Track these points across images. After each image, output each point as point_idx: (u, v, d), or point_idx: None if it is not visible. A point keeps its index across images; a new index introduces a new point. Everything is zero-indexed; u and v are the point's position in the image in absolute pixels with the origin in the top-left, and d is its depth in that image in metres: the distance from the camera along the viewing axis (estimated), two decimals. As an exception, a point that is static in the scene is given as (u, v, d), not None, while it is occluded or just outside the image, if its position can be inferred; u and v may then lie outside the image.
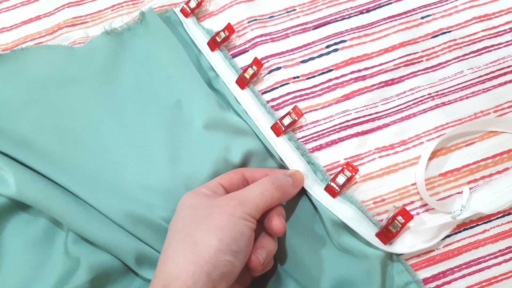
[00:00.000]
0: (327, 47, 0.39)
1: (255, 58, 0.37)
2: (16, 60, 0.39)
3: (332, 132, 0.35)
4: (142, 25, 0.40)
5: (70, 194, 0.32)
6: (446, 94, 0.36)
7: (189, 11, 0.41)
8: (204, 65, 0.39)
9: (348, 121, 0.36)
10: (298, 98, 0.37)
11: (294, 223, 0.33)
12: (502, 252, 0.31)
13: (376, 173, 0.34)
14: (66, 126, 0.36)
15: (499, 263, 0.31)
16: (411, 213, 0.31)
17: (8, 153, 0.33)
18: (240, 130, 0.34)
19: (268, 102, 0.37)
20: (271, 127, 0.34)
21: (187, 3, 0.41)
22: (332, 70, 0.38)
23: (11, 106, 0.36)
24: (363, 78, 0.37)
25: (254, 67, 0.36)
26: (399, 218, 0.30)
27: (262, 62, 0.38)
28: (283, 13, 0.41)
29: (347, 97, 0.37)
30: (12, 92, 0.37)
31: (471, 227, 0.32)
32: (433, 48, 0.38)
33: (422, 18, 0.39)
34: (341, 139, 0.35)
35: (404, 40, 0.38)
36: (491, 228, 0.32)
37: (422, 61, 0.38)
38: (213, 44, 0.39)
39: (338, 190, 0.32)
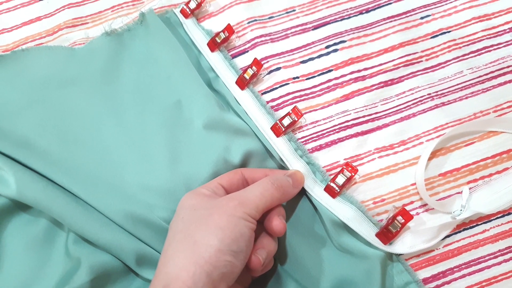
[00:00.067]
0: (327, 47, 0.39)
1: (255, 58, 0.37)
2: (16, 61, 0.39)
3: (332, 133, 0.35)
4: (142, 26, 0.40)
5: (70, 195, 0.32)
6: (446, 94, 0.36)
7: (189, 12, 0.41)
8: (204, 65, 0.39)
9: (347, 121, 0.36)
10: (298, 99, 0.37)
11: (294, 223, 0.33)
12: (502, 252, 0.31)
13: (376, 173, 0.34)
14: (67, 127, 0.36)
15: (499, 263, 0.31)
16: (411, 213, 0.31)
17: (8, 154, 0.33)
18: (240, 130, 0.34)
19: (268, 102, 0.37)
20: (271, 128, 0.34)
21: (187, 4, 0.41)
22: (332, 70, 0.38)
23: (11, 106, 0.36)
24: (363, 78, 0.37)
25: (254, 67, 0.36)
26: (399, 218, 0.30)
27: (262, 62, 0.38)
28: (282, 14, 0.41)
29: (346, 97, 0.37)
30: (13, 93, 0.37)
31: (471, 227, 0.32)
32: (432, 48, 0.38)
33: (422, 18, 0.39)
34: (341, 140, 0.35)
35: (404, 40, 0.38)
36: (491, 228, 0.32)
37: (421, 61, 0.38)
38: (213, 44, 0.39)
39: (338, 190, 0.32)
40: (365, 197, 0.33)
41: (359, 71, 0.38)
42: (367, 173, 0.34)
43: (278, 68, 0.38)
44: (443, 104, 0.36)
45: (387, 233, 0.30)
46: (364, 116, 0.36)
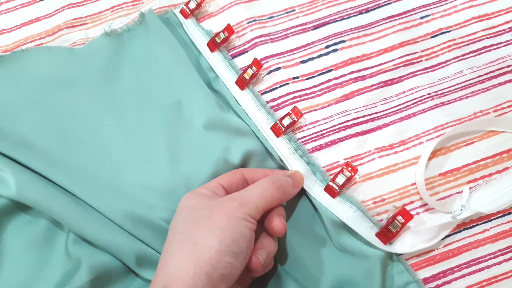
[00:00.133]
0: (327, 47, 0.39)
1: (255, 58, 0.37)
2: (16, 62, 0.39)
3: (332, 132, 0.35)
4: (142, 26, 0.40)
5: (70, 195, 0.32)
6: (446, 94, 0.36)
7: (189, 12, 0.41)
8: (203, 66, 0.39)
9: (347, 121, 0.36)
10: (298, 99, 0.37)
11: (294, 223, 0.33)
12: (502, 252, 0.31)
13: (376, 173, 0.34)
14: (66, 127, 0.36)
15: (499, 263, 0.31)
16: (411, 213, 0.31)
17: (8, 154, 0.33)
18: (240, 130, 0.34)
19: (267, 102, 0.37)
20: (271, 128, 0.34)
21: (186, 4, 0.41)
22: (332, 70, 0.38)
23: (11, 107, 0.36)
24: (363, 78, 0.37)
25: (253, 67, 0.36)
26: (399, 218, 0.30)
27: (262, 62, 0.38)
28: (282, 14, 0.41)
29: (346, 97, 0.37)
30: (13, 93, 0.37)
31: (471, 227, 0.32)
32: (432, 48, 0.38)
33: (422, 18, 0.39)
34: (341, 139, 0.35)
35: (404, 40, 0.38)
36: (491, 227, 0.32)
37: (421, 61, 0.38)
38: (213, 45, 0.39)
39: (338, 190, 0.32)
40: (365, 197, 0.33)
41: (359, 71, 0.38)
42: (367, 173, 0.34)
43: (278, 68, 0.38)
44: (443, 103, 0.36)
45: (387, 233, 0.30)
46: (364, 116, 0.36)
